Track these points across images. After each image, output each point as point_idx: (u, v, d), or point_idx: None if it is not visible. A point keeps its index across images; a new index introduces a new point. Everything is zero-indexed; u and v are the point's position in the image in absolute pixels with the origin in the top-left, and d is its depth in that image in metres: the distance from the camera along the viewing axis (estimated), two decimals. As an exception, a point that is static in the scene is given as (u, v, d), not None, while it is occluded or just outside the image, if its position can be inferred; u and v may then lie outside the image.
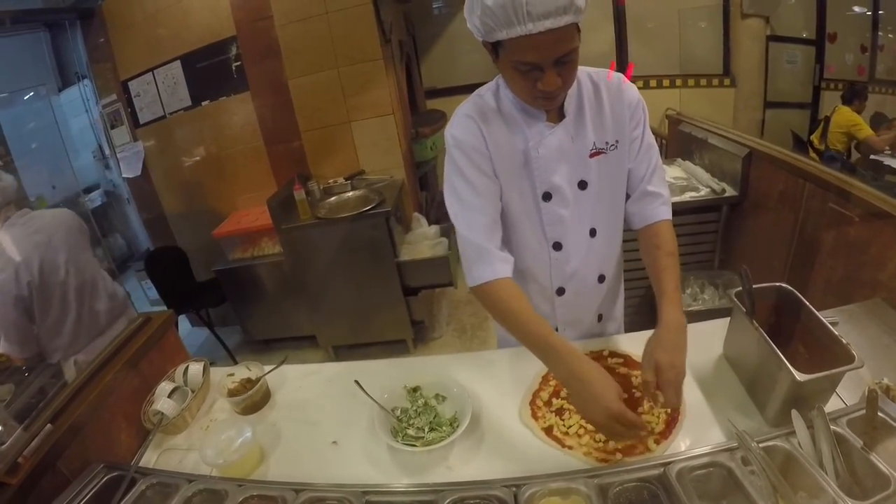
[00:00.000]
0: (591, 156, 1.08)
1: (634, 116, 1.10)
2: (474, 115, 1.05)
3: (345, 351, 3.16)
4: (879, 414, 0.79)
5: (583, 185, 1.10)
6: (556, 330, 1.23)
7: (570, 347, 0.90)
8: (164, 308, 3.00)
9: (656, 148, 1.16)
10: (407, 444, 0.97)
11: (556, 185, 1.08)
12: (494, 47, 0.94)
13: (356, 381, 1.10)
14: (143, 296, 3.82)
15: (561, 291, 1.20)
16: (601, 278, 1.22)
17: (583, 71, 1.07)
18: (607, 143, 1.08)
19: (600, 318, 1.29)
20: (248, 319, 3.26)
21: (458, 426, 0.98)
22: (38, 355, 1.73)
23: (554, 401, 1.04)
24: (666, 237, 1.09)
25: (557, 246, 1.14)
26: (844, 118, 3.33)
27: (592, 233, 1.15)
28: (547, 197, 1.09)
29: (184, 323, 3.51)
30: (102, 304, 1.87)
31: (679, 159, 2.94)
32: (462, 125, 1.06)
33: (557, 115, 1.06)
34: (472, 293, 1.06)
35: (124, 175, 3.46)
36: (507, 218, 1.12)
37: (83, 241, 1.84)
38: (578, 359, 0.88)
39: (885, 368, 1.00)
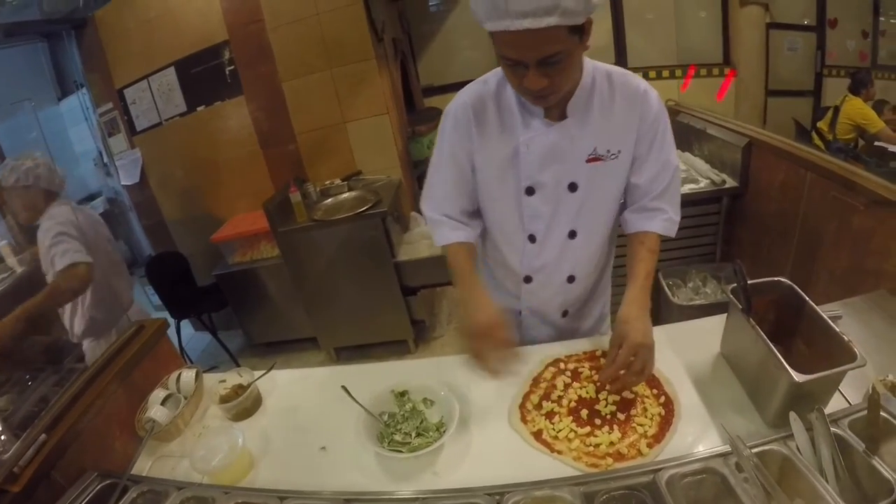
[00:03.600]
0: (588, 161, 1.05)
1: (647, 132, 1.04)
2: (470, 102, 1.06)
3: (346, 352, 3.15)
4: (883, 414, 0.76)
5: (573, 187, 1.07)
6: (520, 314, 1.28)
7: (477, 284, 1.08)
8: (168, 314, 3.01)
9: (674, 167, 1.10)
10: (393, 450, 0.95)
11: (541, 182, 1.06)
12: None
13: (343, 387, 1.08)
14: (148, 301, 3.83)
15: (528, 279, 1.21)
16: (571, 279, 1.20)
17: (602, 69, 1.03)
18: (608, 150, 1.04)
19: (565, 313, 1.28)
20: (249, 323, 3.26)
21: (444, 431, 0.96)
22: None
23: (544, 404, 1.01)
24: (651, 238, 1.09)
25: (532, 238, 1.14)
26: (856, 111, 3.23)
27: (572, 234, 1.13)
28: (530, 191, 1.08)
29: (187, 328, 3.51)
30: (126, 289, 2.15)
31: (678, 151, 2.89)
32: (457, 108, 1.08)
33: (559, 114, 1.02)
34: None
35: (123, 183, 3.47)
36: (488, 203, 1.15)
37: (107, 232, 2.13)
38: (477, 291, 1.05)
39: (891, 364, 0.95)
